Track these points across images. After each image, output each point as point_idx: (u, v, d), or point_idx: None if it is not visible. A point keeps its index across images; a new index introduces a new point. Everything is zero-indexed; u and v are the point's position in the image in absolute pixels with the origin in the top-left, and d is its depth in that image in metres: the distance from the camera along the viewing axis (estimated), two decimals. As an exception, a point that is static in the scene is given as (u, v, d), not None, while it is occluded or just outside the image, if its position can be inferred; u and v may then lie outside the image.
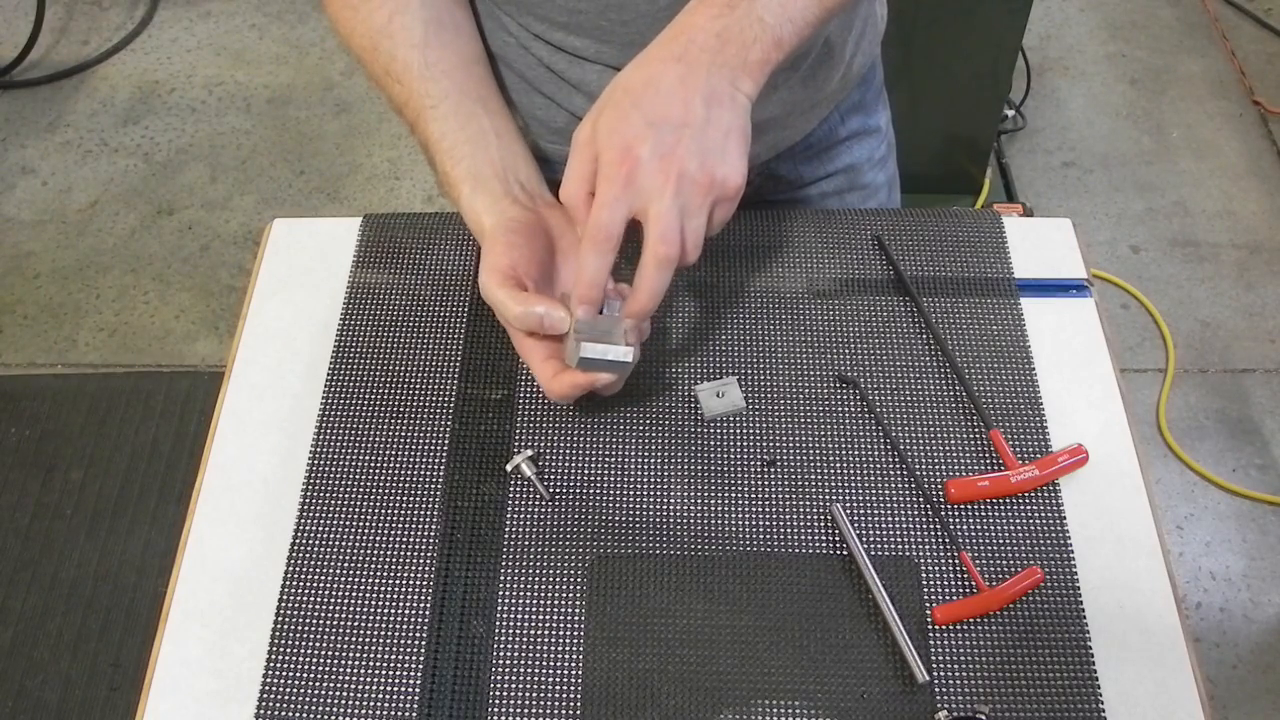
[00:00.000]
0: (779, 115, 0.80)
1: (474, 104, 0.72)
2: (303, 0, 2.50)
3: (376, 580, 0.65)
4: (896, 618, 0.62)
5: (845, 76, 0.83)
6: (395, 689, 0.62)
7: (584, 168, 0.60)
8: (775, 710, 0.60)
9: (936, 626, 0.63)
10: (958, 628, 0.63)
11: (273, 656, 0.63)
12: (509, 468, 0.69)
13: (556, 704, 0.61)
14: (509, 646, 0.63)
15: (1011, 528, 0.66)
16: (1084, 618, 0.63)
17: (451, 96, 0.71)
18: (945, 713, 0.60)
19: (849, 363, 0.74)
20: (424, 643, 0.63)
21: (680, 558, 0.66)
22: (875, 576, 0.64)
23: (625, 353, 0.62)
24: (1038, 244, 0.80)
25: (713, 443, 0.70)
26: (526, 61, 0.77)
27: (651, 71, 0.59)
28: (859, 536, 0.66)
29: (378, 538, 0.67)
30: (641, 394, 0.72)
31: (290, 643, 0.63)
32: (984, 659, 0.62)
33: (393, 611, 0.64)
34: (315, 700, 0.61)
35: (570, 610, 0.64)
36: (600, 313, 0.62)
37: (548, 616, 0.64)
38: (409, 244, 0.81)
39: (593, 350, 0.61)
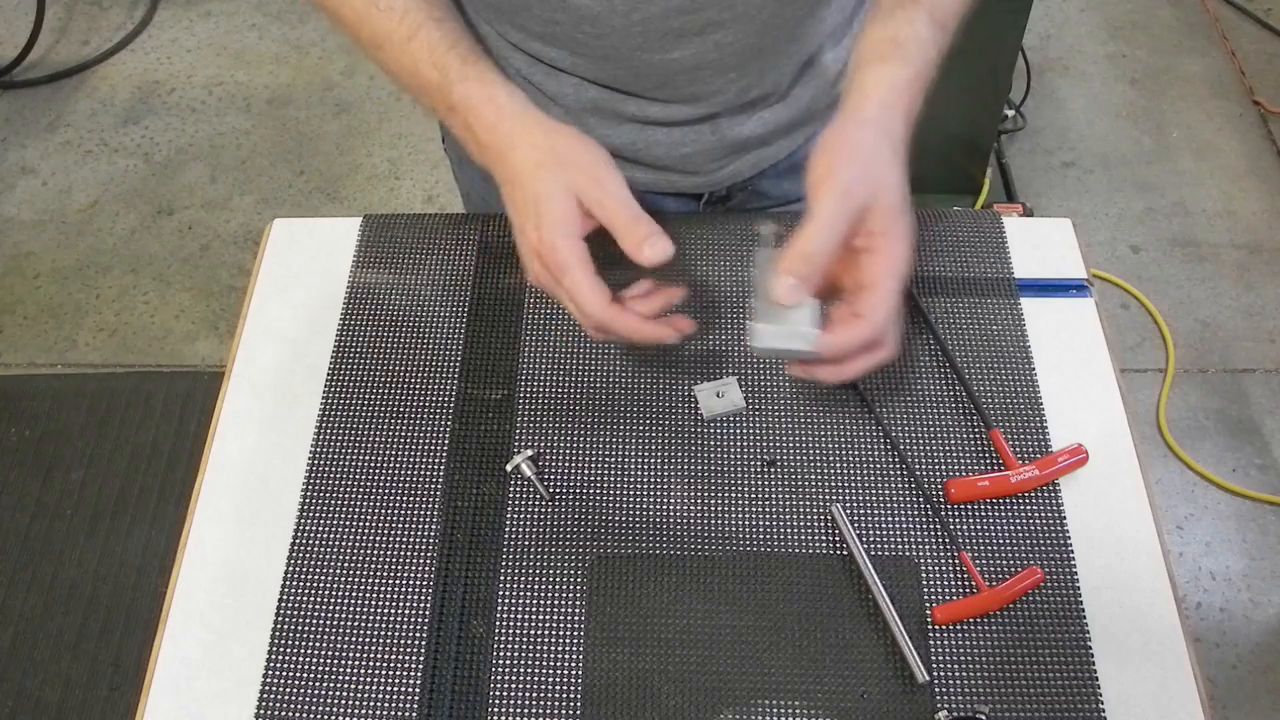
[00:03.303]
0: (762, 134, 0.79)
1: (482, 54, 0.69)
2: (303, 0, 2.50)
3: (376, 580, 0.65)
4: (896, 618, 0.62)
5: (829, 94, 0.82)
6: (395, 689, 0.62)
7: (852, 219, 0.58)
8: (775, 710, 0.60)
9: (936, 626, 0.63)
10: (958, 628, 0.63)
11: (273, 656, 0.63)
12: (509, 468, 0.69)
13: (556, 704, 0.61)
14: (509, 646, 0.63)
15: (1011, 528, 0.66)
16: (1084, 618, 0.63)
17: (463, 30, 0.69)
18: (945, 713, 0.60)
19: (849, 363, 0.73)
20: (424, 643, 0.63)
21: (680, 558, 0.66)
22: (875, 576, 0.64)
23: (811, 337, 0.57)
24: (1038, 244, 0.80)
25: (713, 443, 0.70)
26: (504, 72, 0.77)
27: (886, 150, 0.62)
28: (859, 536, 0.66)
29: (378, 538, 0.67)
30: (641, 394, 0.72)
31: (290, 643, 0.63)
32: (984, 659, 0.62)
33: (393, 611, 0.64)
34: (315, 700, 0.61)
35: (570, 610, 0.64)
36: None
37: (548, 616, 0.64)
38: (409, 244, 0.81)
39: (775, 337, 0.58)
